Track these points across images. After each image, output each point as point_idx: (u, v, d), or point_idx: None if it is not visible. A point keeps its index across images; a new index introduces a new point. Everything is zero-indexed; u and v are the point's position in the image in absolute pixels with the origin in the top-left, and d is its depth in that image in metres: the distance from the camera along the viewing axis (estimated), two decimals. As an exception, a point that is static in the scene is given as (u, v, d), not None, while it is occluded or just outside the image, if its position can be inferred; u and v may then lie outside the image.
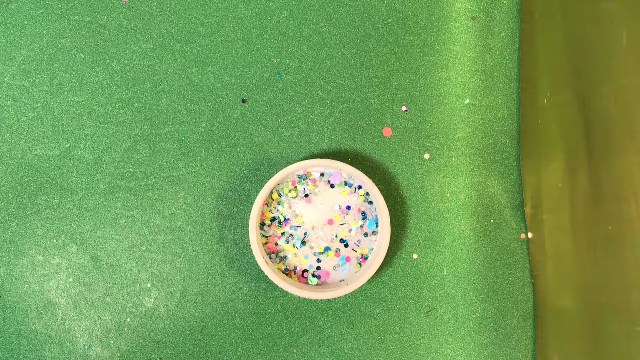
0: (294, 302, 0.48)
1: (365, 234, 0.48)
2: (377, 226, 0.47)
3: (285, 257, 0.47)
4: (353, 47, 0.49)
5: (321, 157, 0.48)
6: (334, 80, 0.48)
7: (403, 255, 0.49)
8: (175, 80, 0.48)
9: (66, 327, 0.47)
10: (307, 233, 0.47)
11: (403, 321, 0.49)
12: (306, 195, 0.47)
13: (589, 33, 0.44)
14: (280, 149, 0.48)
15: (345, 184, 0.48)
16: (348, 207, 0.48)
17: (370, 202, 0.48)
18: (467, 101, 0.49)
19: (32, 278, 0.47)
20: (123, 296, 0.48)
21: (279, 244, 0.47)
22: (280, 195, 0.47)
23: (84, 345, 0.47)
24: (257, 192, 0.48)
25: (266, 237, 0.47)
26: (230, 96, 0.48)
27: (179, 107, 0.48)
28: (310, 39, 0.48)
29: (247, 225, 0.48)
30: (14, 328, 0.47)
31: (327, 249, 0.47)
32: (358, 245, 0.48)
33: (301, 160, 0.48)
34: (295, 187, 0.47)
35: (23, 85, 0.47)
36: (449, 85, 0.49)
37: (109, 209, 0.48)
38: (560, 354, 0.48)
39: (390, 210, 0.48)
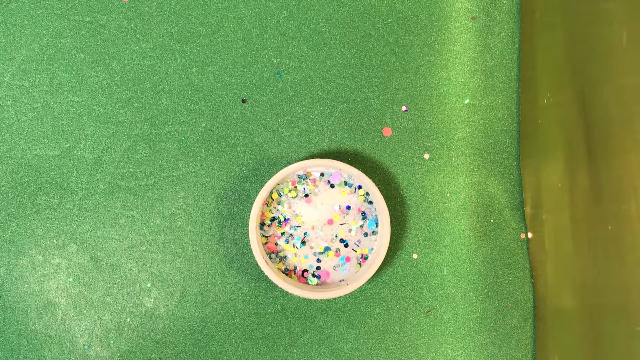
0: (294, 302, 0.48)
1: (365, 234, 0.48)
2: (377, 226, 0.47)
3: (285, 257, 0.47)
4: (353, 47, 0.49)
5: (321, 157, 0.48)
6: (334, 80, 0.48)
7: (403, 255, 0.49)
8: (175, 80, 0.48)
9: (66, 327, 0.47)
10: (307, 233, 0.47)
11: (403, 321, 0.49)
12: (306, 195, 0.47)
13: (589, 33, 0.44)
14: (280, 149, 0.48)
15: (345, 184, 0.48)
16: (348, 207, 0.48)
17: (370, 202, 0.48)
18: (467, 101, 0.49)
19: (32, 278, 0.47)
20: (123, 296, 0.48)
21: (279, 244, 0.47)
22: (280, 195, 0.47)
23: (84, 345, 0.47)
24: (257, 192, 0.48)
25: (266, 237, 0.47)
26: (230, 96, 0.48)
27: (179, 107, 0.48)
28: (310, 39, 0.48)
29: (247, 225, 0.48)
30: (14, 328, 0.47)
31: (327, 249, 0.47)
32: (358, 245, 0.48)
33: (301, 160, 0.48)
34: (295, 187, 0.47)
35: (23, 85, 0.47)
36: (449, 85, 0.49)
37: (109, 209, 0.48)
38: (560, 354, 0.48)
39: (390, 210, 0.48)
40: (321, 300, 0.48)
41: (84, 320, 0.47)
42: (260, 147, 0.48)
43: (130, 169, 0.48)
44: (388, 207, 0.48)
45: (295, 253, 0.47)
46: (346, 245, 0.48)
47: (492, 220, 0.49)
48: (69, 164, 0.47)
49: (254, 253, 0.45)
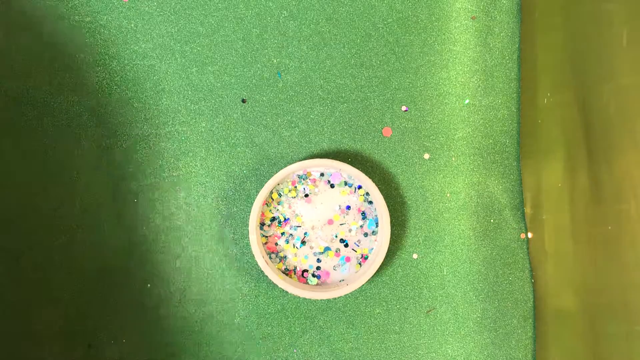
0: (294, 302, 0.48)
1: (365, 234, 0.48)
2: (377, 226, 0.47)
3: (285, 257, 0.47)
4: (353, 47, 0.49)
5: (321, 157, 0.48)
6: (334, 80, 0.48)
7: (403, 255, 0.49)
8: (175, 80, 0.48)
9: (68, 325, 0.47)
10: (307, 233, 0.47)
11: (403, 321, 0.49)
12: (306, 195, 0.47)
13: (589, 33, 0.44)
14: (280, 149, 0.48)
15: (345, 184, 0.48)
16: (348, 207, 0.48)
17: (370, 202, 0.48)
18: (467, 101, 0.49)
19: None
20: (123, 296, 0.48)
21: (279, 244, 0.47)
22: (280, 195, 0.47)
23: (85, 346, 0.47)
24: (257, 192, 0.48)
25: (266, 237, 0.47)
26: (230, 96, 0.48)
27: (179, 107, 0.48)
28: (310, 39, 0.48)
29: (247, 225, 0.48)
30: None
31: (327, 249, 0.47)
32: (358, 245, 0.48)
33: (301, 160, 0.48)
34: (295, 187, 0.47)
35: (24, 85, 0.47)
36: (449, 85, 0.49)
37: (109, 209, 0.48)
38: (560, 354, 0.48)
39: (390, 210, 0.48)
40: (321, 300, 0.48)
41: (86, 320, 0.47)
42: (260, 147, 0.48)
43: (130, 169, 0.48)
44: (388, 207, 0.48)
45: (295, 253, 0.47)
46: (346, 245, 0.48)
47: (492, 220, 0.49)
48: (69, 164, 0.47)
49: (254, 253, 0.45)
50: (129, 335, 0.47)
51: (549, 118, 0.48)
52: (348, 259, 0.48)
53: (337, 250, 0.48)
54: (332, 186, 0.47)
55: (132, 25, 0.48)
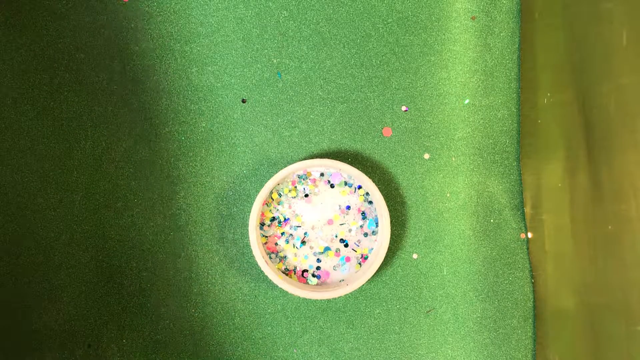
0: (294, 302, 0.48)
1: (365, 234, 0.48)
2: (377, 226, 0.47)
3: (285, 257, 0.47)
4: (353, 47, 0.49)
5: (321, 157, 0.48)
6: (334, 80, 0.48)
7: (403, 255, 0.49)
8: (175, 80, 0.48)
9: (68, 325, 0.47)
10: (307, 233, 0.47)
11: (403, 321, 0.49)
12: (306, 195, 0.47)
13: (589, 33, 0.44)
14: (280, 149, 0.48)
15: (345, 184, 0.48)
16: (348, 207, 0.48)
17: (370, 202, 0.48)
18: (467, 101, 0.49)
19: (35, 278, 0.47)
20: (123, 296, 0.48)
21: (279, 244, 0.47)
22: (280, 195, 0.47)
23: (85, 346, 0.47)
24: (257, 192, 0.48)
25: (266, 237, 0.47)
26: (230, 96, 0.48)
27: (179, 107, 0.48)
28: (310, 39, 0.48)
29: (247, 225, 0.48)
30: None
31: (327, 249, 0.47)
32: (358, 245, 0.48)
33: (301, 160, 0.48)
34: (295, 187, 0.47)
35: (23, 85, 0.47)
36: (449, 85, 0.49)
37: (109, 209, 0.48)
38: (560, 354, 0.48)
39: (390, 210, 0.48)
40: (321, 300, 0.48)
41: (86, 319, 0.47)
42: (260, 147, 0.48)
43: (130, 169, 0.48)
44: (388, 207, 0.48)
45: (295, 253, 0.47)
46: (346, 245, 0.48)
47: (492, 220, 0.49)
48: (69, 164, 0.47)
49: (254, 253, 0.45)
50: (129, 335, 0.47)
51: (549, 118, 0.48)
52: (348, 259, 0.48)
53: (337, 250, 0.48)
54: (332, 186, 0.47)
55: (132, 25, 0.48)
